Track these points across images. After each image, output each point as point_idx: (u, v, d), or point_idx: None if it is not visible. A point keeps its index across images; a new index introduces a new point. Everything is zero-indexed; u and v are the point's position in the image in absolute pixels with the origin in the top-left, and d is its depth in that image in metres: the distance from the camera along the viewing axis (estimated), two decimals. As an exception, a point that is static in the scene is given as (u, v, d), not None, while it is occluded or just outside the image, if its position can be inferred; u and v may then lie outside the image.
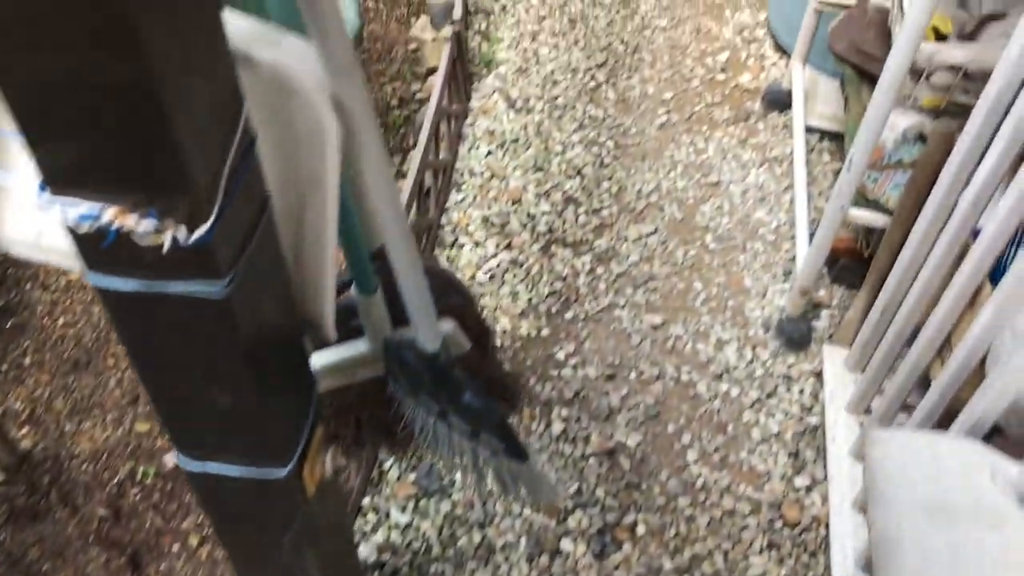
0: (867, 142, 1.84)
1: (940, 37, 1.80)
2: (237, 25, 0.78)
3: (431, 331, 1.08)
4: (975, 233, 1.69)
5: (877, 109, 1.79)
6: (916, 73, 1.82)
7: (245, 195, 0.74)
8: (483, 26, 3.23)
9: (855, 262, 2.37)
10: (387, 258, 1.00)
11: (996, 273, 1.59)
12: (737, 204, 2.68)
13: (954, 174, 1.67)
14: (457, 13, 2.76)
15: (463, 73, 2.89)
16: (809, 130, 2.80)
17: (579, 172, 2.77)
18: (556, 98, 2.99)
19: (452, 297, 1.28)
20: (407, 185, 2.29)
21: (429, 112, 2.50)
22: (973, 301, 1.65)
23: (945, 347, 1.72)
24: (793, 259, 2.49)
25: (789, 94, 2.83)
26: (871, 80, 2.27)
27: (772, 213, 2.65)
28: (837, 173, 2.73)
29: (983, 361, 1.54)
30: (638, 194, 2.72)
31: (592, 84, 3.05)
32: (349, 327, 1.13)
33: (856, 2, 2.39)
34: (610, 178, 2.76)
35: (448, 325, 1.15)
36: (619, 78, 3.07)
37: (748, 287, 2.48)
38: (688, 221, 2.65)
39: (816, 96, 2.83)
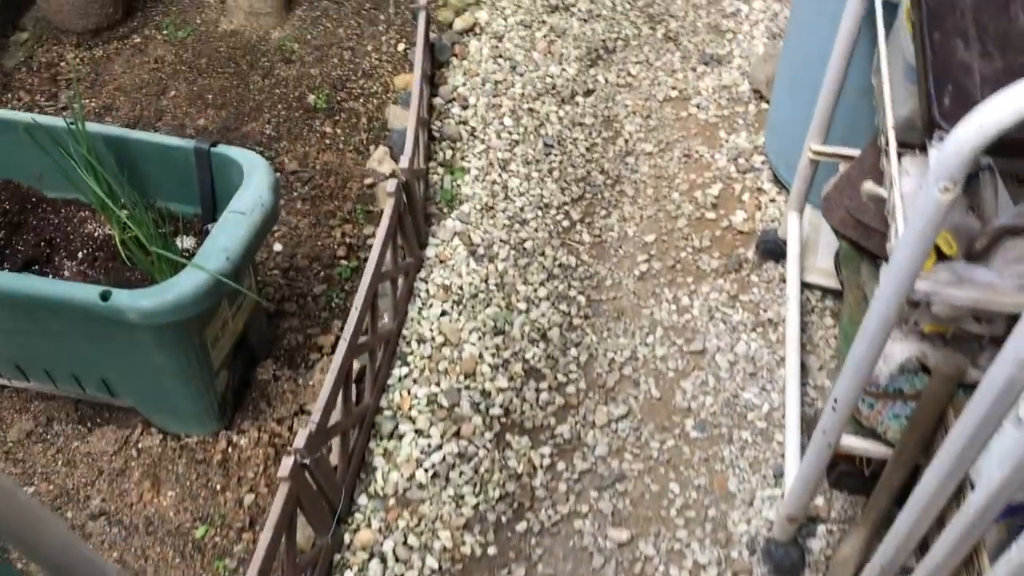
0: (854, 383, 1.47)
1: (942, 256, 1.44)
2: None
3: None
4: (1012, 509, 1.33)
5: (866, 345, 1.42)
6: (914, 302, 1.45)
7: None
8: (447, 155, 2.92)
9: (856, 467, 1.99)
10: None
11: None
12: (724, 379, 2.31)
13: (969, 436, 1.30)
14: (405, 158, 2.44)
15: (418, 220, 2.57)
16: (808, 287, 2.44)
17: (544, 336, 2.43)
18: (524, 242, 2.66)
19: None
20: (328, 378, 1.96)
21: (363, 283, 2.17)
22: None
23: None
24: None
25: (785, 243, 2.46)
26: (872, 256, 1.91)
27: (764, 393, 2.28)
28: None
29: None
30: (610, 364, 2.36)
31: (565, 223, 2.71)
32: None
33: (854, 160, 2.03)
34: (579, 344, 2.41)
35: None
36: (596, 216, 2.73)
37: (733, 492, 2.11)
38: (666, 401, 2.29)
39: (817, 247, 2.47)
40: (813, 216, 2.48)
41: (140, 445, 2.21)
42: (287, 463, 1.80)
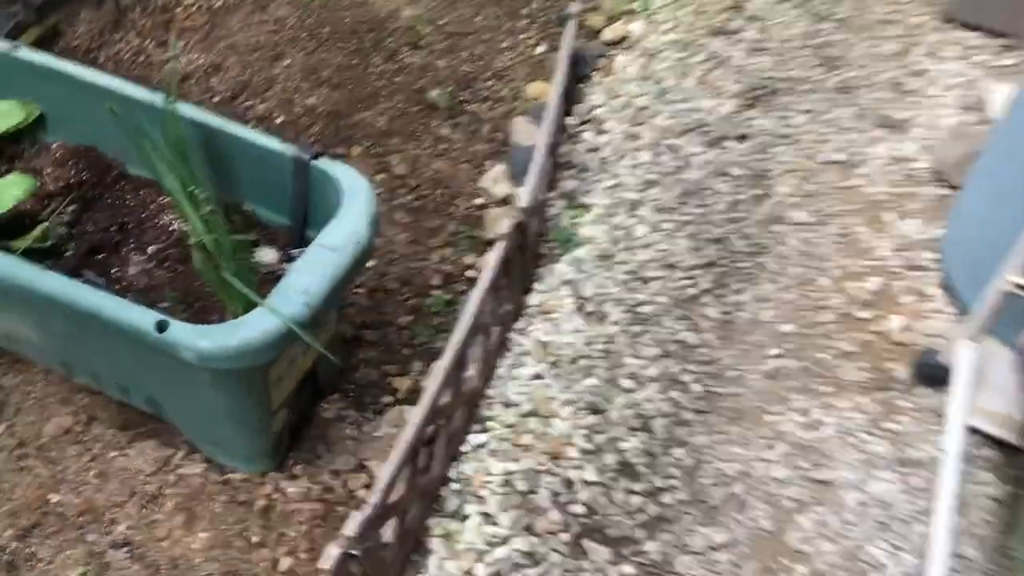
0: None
1: None
2: None
3: None
4: None
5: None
6: None
7: None
8: (571, 186, 2.59)
9: None
10: None
11: None
12: (849, 524, 1.96)
13: None
14: (526, 193, 2.13)
15: (526, 263, 2.26)
16: (970, 430, 2.05)
17: (646, 425, 2.11)
18: (640, 305, 2.33)
19: None
20: (394, 455, 1.69)
21: (453, 340, 1.88)
22: None
23: None
24: (913, 642, 1.77)
25: (949, 370, 2.08)
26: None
27: (895, 553, 1.91)
28: (998, 504, 1.98)
29: None
30: (718, 477, 2.03)
31: (692, 291, 2.36)
32: None
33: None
34: (685, 443, 2.08)
35: None
36: (728, 288, 2.38)
37: (841, 673, 1.78)
38: (777, 536, 1.95)
39: (988, 384, 2.07)
40: (987, 345, 2.09)
41: (180, 471, 1.98)
42: (333, 552, 1.54)
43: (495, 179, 2.56)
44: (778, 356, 2.24)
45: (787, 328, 2.30)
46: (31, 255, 1.85)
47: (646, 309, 2.32)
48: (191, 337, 1.54)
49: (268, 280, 1.88)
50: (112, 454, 2.00)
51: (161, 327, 1.54)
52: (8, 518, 1.89)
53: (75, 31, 2.90)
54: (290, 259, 1.95)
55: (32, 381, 2.10)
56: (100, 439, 2.02)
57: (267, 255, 1.96)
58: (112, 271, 1.91)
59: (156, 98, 1.91)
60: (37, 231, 1.89)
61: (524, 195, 2.14)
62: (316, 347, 1.67)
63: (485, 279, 1.97)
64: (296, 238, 1.98)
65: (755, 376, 2.21)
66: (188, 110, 1.91)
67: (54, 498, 1.94)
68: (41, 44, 2.82)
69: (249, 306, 1.64)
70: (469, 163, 2.63)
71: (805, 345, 2.27)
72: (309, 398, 2.05)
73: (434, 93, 2.78)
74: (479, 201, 2.54)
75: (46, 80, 2.02)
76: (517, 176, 2.53)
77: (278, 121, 2.66)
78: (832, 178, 2.63)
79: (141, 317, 1.56)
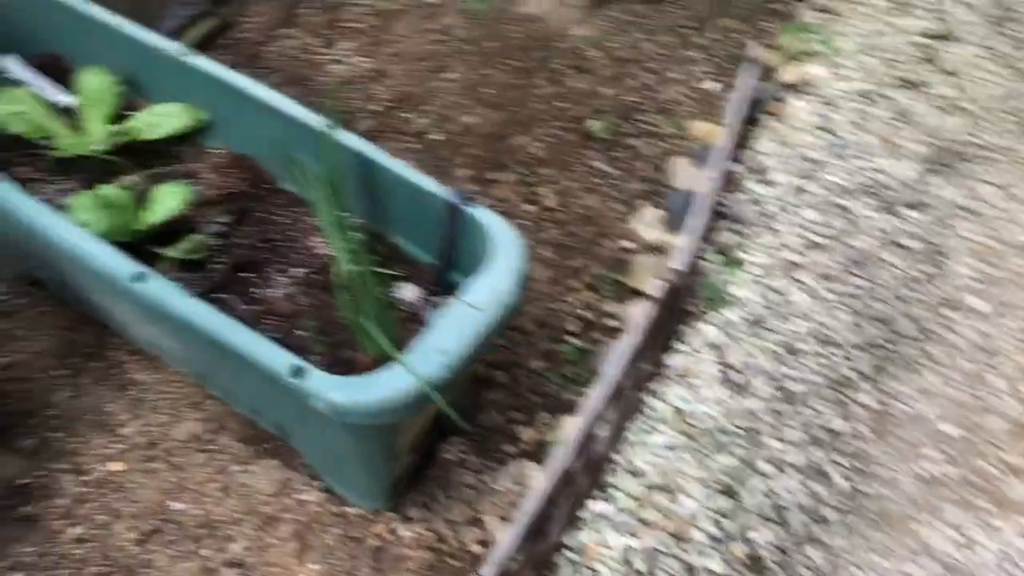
0: None
1: None
2: None
3: None
4: None
5: None
6: None
7: None
8: (727, 239, 2.44)
9: None
10: None
11: None
12: (999, 668, 1.78)
13: None
14: (681, 255, 2.01)
15: (672, 322, 2.14)
16: None
17: (782, 518, 1.97)
18: (790, 381, 2.17)
19: None
20: (514, 530, 1.62)
21: (592, 400, 1.79)
22: None
23: None
24: None
25: None
26: None
27: None
28: None
29: None
30: (854, 588, 1.88)
31: (848, 373, 2.19)
32: None
33: None
34: (822, 544, 1.93)
35: None
36: (886, 376, 2.19)
37: None
38: (914, 667, 1.79)
39: None
40: None
41: (299, 496, 1.96)
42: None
43: (648, 223, 2.44)
44: (937, 460, 2.05)
45: (949, 429, 2.10)
46: (180, 264, 1.87)
47: (795, 387, 2.17)
48: (326, 388, 1.50)
49: (407, 319, 1.84)
50: (235, 468, 2.01)
51: (296, 372, 1.51)
52: (131, 520, 1.92)
53: (246, 24, 2.94)
54: (431, 300, 1.90)
55: (168, 381, 2.12)
56: (226, 451, 2.03)
57: (408, 292, 1.91)
58: (255, 291, 1.90)
59: (317, 121, 1.88)
60: (189, 243, 1.89)
61: (680, 253, 2.02)
62: (449, 413, 1.61)
63: (628, 344, 1.87)
64: (440, 278, 1.92)
65: (908, 479, 2.03)
66: (348, 138, 1.87)
67: (175, 505, 1.96)
68: (212, 36, 2.87)
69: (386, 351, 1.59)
70: (621, 201, 2.52)
71: (968, 452, 2.07)
72: (433, 439, 2.00)
73: (594, 123, 2.67)
74: (627, 244, 2.42)
75: (211, 87, 2.02)
76: (672, 222, 2.41)
77: (434, 138, 2.62)
78: (1019, 264, 2.39)
79: (278, 359, 1.53)
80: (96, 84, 2.10)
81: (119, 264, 1.65)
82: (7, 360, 2.11)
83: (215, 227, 1.98)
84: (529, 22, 2.95)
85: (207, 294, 1.84)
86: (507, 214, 2.20)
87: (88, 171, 2.03)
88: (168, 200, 1.92)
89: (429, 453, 2.02)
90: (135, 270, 1.64)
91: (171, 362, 2.09)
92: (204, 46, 2.85)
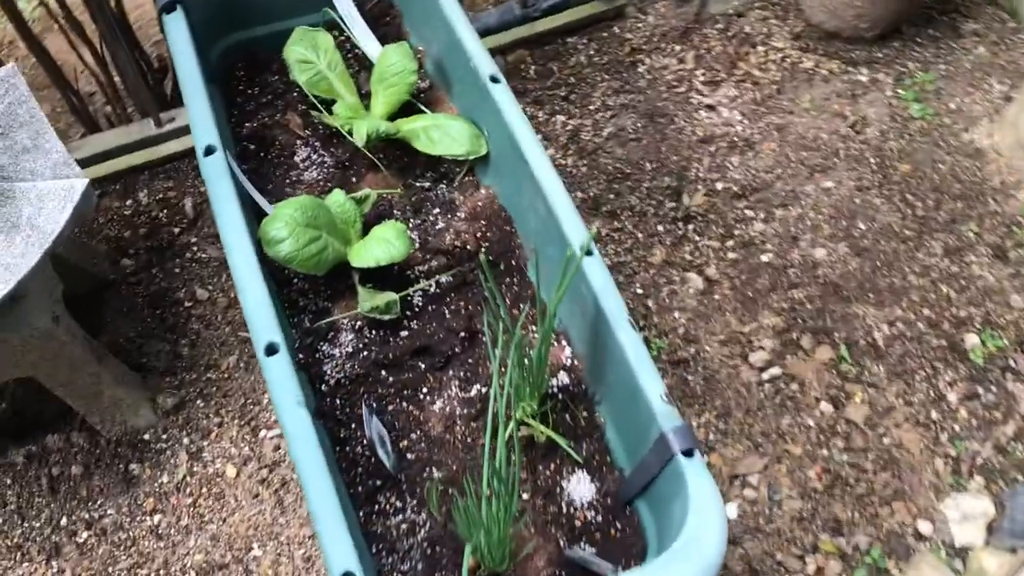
0: None
1: None
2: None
3: None
4: None
5: None
6: None
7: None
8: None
9: None
10: None
11: None
12: None
13: None
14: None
15: None
16: None
17: None
18: None
19: None
20: None
21: None
22: None
23: None
24: None
25: None
26: None
27: None
28: None
29: None
30: None
31: None
32: None
33: None
34: None
35: None
36: None
37: None
38: None
39: None
40: None
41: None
42: None
43: (964, 511, 1.73)
44: None
45: None
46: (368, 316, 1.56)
47: None
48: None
49: (562, 519, 1.40)
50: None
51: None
52: (209, 541, 1.75)
53: (638, 22, 2.49)
54: (605, 508, 1.44)
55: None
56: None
57: (582, 489, 1.45)
58: (423, 395, 1.53)
59: (577, 233, 1.44)
60: (383, 300, 1.56)
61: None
62: None
63: None
64: (621, 493, 1.44)
65: None
66: (595, 273, 1.41)
67: (255, 553, 1.75)
68: (593, 21, 2.47)
69: None
70: (949, 460, 1.81)
71: None
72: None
73: (974, 337, 1.93)
74: (923, 528, 1.74)
75: (500, 126, 1.64)
76: (1002, 534, 1.68)
77: (758, 256, 2.05)
78: None
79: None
80: (397, 64, 1.79)
81: (264, 322, 1.37)
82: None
83: (430, 285, 1.64)
84: (968, 157, 2.19)
85: (364, 377, 1.52)
86: (792, 401, 1.66)
87: (345, 148, 1.77)
88: (386, 248, 1.57)
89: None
90: (271, 339, 1.34)
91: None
92: (575, 30, 2.45)
